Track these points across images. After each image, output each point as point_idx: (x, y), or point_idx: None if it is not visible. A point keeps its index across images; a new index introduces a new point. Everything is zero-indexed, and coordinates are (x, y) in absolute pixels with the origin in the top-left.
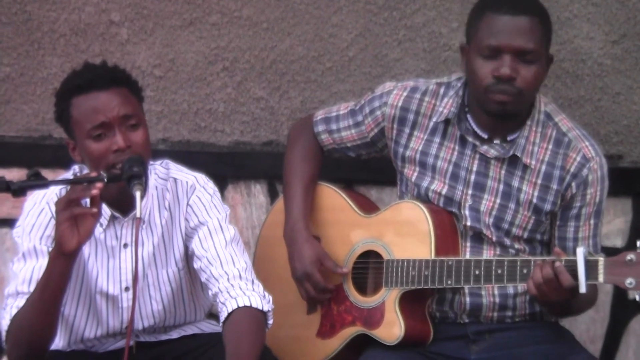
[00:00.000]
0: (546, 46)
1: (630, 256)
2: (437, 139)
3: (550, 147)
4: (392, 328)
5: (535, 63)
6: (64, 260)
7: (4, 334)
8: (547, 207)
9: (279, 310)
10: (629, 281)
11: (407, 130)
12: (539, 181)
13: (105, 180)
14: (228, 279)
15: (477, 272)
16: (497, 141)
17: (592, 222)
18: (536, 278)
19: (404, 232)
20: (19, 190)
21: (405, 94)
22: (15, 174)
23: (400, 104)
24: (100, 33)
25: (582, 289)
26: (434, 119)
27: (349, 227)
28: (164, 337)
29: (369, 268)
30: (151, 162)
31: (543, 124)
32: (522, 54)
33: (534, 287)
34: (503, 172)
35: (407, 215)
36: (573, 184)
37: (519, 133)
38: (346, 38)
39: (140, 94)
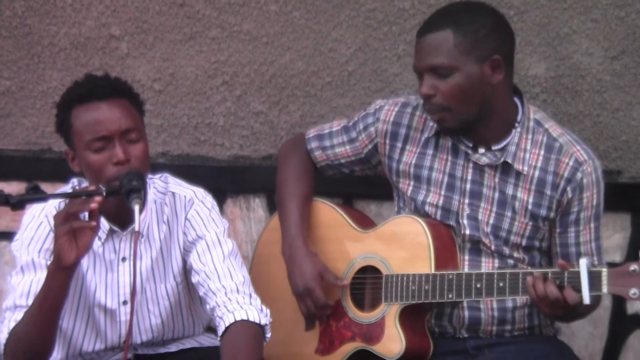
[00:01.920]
0: (469, 53)
1: (634, 267)
2: (430, 151)
3: (542, 152)
4: (393, 343)
5: (452, 76)
6: (62, 274)
7: (2, 347)
8: (543, 212)
9: (276, 328)
10: (633, 292)
11: (399, 145)
12: (533, 187)
13: (104, 193)
14: (225, 293)
15: (478, 285)
16: (482, 150)
17: (592, 225)
18: (539, 293)
19: (402, 246)
20: (17, 204)
21: (396, 109)
22: (14, 187)
23: (392, 119)
24: (101, 47)
25: (586, 300)
26: (426, 134)
27: (346, 242)
28: (162, 350)
29: (366, 283)
30: (150, 176)
31: (533, 131)
32: (434, 70)
33: (536, 302)
34: (497, 179)
35: (405, 230)
36: (568, 189)
37: (504, 142)
38: (346, 53)
39: (141, 106)
